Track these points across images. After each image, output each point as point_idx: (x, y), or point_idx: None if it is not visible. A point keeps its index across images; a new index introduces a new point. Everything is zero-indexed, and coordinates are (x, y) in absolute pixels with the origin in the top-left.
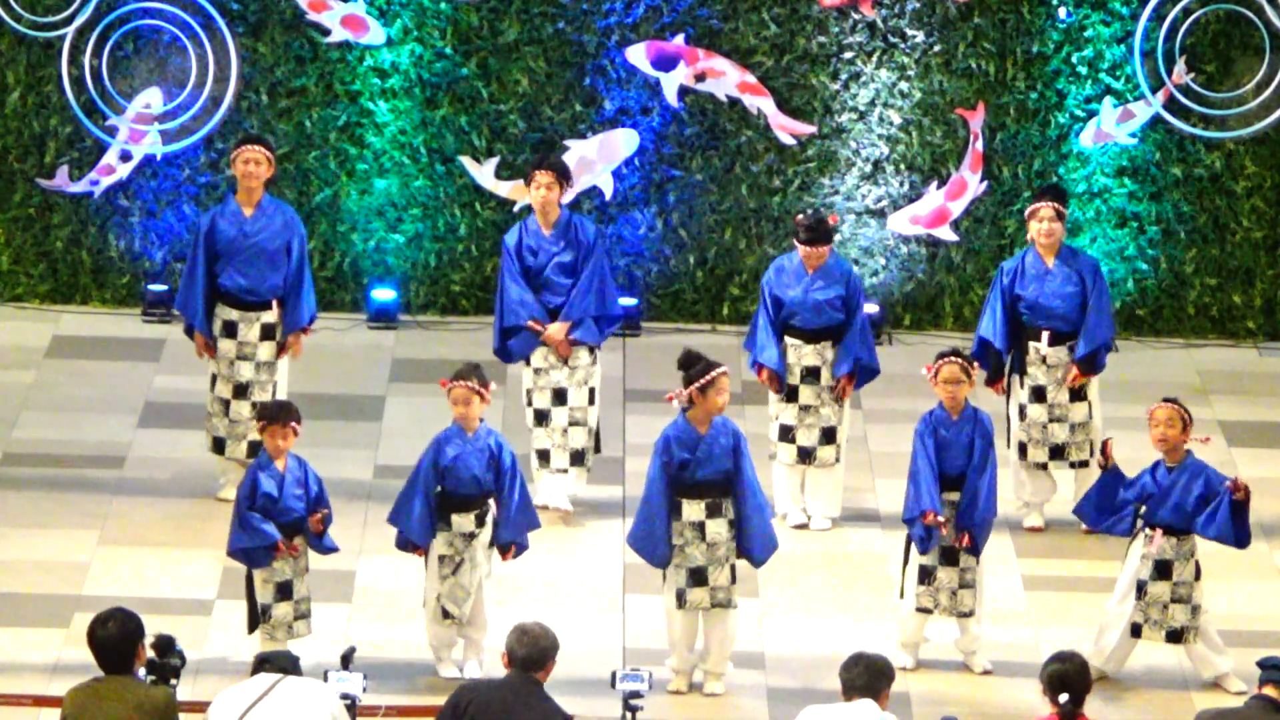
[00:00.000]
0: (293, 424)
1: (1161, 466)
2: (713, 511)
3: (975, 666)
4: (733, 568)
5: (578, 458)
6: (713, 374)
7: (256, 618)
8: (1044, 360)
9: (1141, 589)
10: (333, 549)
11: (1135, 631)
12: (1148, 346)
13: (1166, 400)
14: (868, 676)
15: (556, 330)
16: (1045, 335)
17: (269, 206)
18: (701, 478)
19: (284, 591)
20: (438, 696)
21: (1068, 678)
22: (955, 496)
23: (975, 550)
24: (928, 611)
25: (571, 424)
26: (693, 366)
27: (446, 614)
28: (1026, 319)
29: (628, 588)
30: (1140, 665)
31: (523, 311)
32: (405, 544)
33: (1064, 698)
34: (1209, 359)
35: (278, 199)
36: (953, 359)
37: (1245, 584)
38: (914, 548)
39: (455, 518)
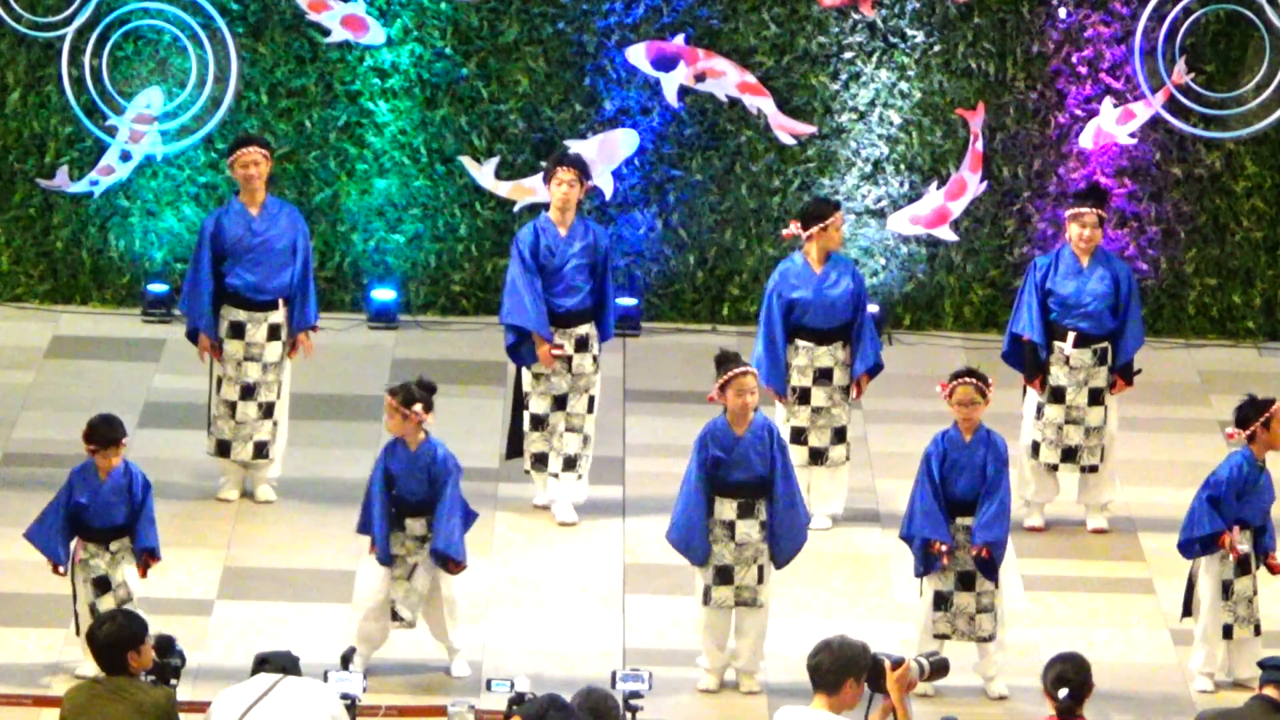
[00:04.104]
0: (113, 446)
1: (1253, 464)
2: (744, 512)
3: (991, 692)
4: (760, 568)
5: (570, 463)
6: (730, 373)
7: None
8: (1067, 361)
9: (1228, 588)
10: (152, 552)
11: (1227, 632)
12: (1148, 346)
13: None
14: (836, 665)
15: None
16: (1072, 337)
17: (273, 206)
18: (735, 479)
19: (101, 586)
20: (438, 697)
21: (1067, 677)
22: (969, 521)
23: (992, 571)
24: (945, 637)
25: (568, 429)
26: (720, 366)
27: (397, 616)
28: (1056, 315)
29: (628, 588)
30: (1141, 665)
31: (530, 323)
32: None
33: (1063, 693)
34: (1209, 359)
35: (281, 199)
36: (968, 379)
37: None
38: (924, 580)
39: (408, 521)
